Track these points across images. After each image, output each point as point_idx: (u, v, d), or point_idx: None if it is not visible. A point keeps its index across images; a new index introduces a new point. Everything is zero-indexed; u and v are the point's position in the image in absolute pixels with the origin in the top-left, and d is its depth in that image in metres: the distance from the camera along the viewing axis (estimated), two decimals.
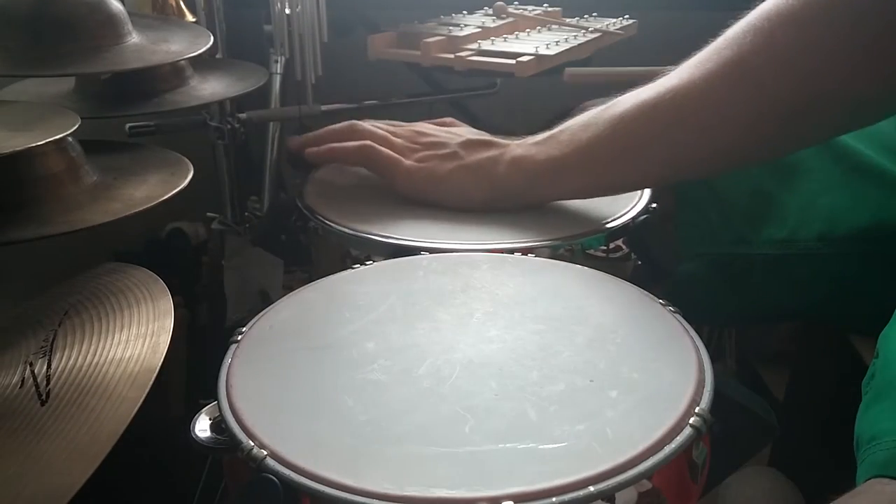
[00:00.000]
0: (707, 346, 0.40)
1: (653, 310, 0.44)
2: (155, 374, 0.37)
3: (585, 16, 0.90)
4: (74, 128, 0.52)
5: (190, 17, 0.78)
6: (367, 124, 0.65)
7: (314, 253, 0.61)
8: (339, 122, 0.84)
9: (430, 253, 0.52)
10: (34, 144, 0.49)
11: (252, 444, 0.33)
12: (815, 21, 0.47)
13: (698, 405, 0.35)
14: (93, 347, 0.41)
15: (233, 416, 0.35)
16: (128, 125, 0.69)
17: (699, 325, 0.42)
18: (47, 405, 0.37)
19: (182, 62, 0.68)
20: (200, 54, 0.64)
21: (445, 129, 0.66)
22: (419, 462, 0.32)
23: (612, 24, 0.87)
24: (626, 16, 0.90)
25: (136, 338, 0.41)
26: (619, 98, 0.55)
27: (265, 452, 0.33)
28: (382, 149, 0.63)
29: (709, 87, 0.51)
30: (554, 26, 0.86)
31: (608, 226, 0.56)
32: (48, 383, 0.39)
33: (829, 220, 0.57)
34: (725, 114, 0.51)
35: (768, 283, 0.60)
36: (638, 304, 0.44)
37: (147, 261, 0.50)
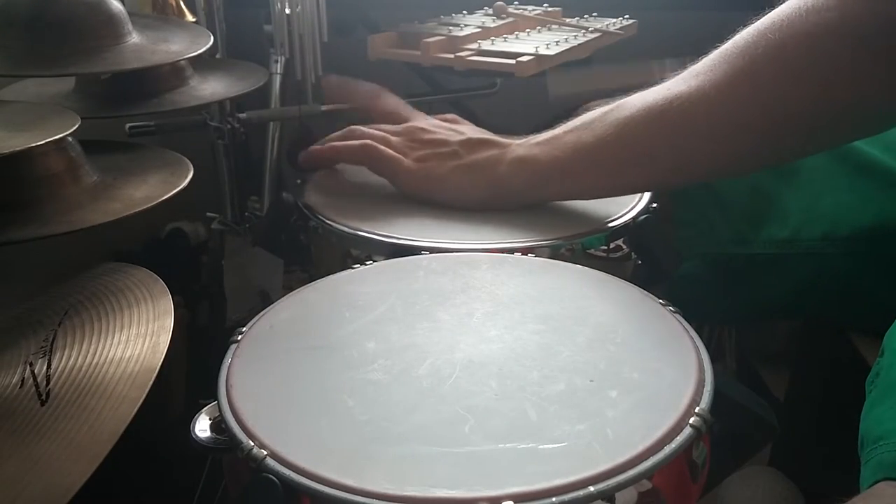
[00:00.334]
0: (707, 346, 0.40)
1: (653, 310, 0.44)
2: (155, 374, 0.37)
3: (585, 16, 0.90)
4: (74, 128, 0.52)
5: (190, 17, 0.78)
6: (365, 128, 0.66)
7: (314, 252, 0.61)
8: (340, 122, 0.84)
9: (431, 252, 0.52)
10: (34, 144, 0.49)
11: (252, 444, 0.33)
12: (827, 33, 0.47)
13: (698, 405, 0.35)
14: (93, 347, 0.41)
15: (233, 416, 0.35)
16: (128, 125, 0.69)
17: (699, 325, 0.42)
18: (47, 405, 0.37)
19: (182, 62, 0.68)
20: (200, 54, 0.64)
21: (447, 125, 0.66)
22: (419, 462, 0.32)
23: (612, 24, 0.87)
24: (626, 16, 0.89)
25: (136, 338, 0.41)
26: (625, 100, 0.55)
27: (265, 452, 0.33)
28: (383, 147, 0.62)
29: (719, 96, 0.50)
30: (554, 26, 0.86)
31: (609, 225, 0.56)
32: (48, 383, 0.39)
33: (832, 220, 0.57)
34: (735, 122, 0.50)
35: (769, 282, 0.60)
36: (638, 304, 0.44)
37: (147, 261, 0.50)
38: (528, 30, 0.85)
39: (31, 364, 0.41)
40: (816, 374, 0.70)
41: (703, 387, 0.37)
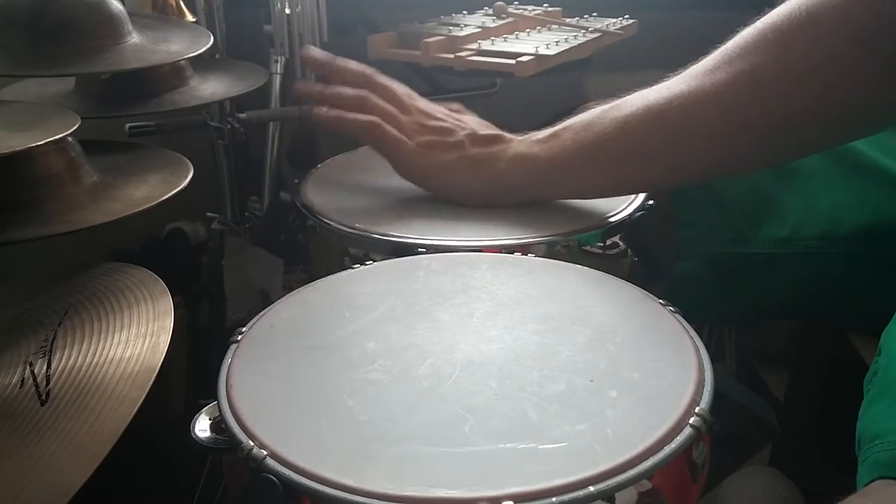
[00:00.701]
0: (707, 346, 0.40)
1: (653, 310, 0.44)
2: (155, 374, 0.37)
3: (585, 16, 0.90)
4: (74, 128, 0.52)
5: (190, 17, 0.78)
6: (379, 100, 0.63)
7: (313, 251, 0.61)
8: None
9: (428, 250, 0.52)
10: (34, 144, 0.49)
11: (252, 444, 0.33)
12: (828, 34, 0.46)
13: (698, 405, 0.35)
14: (93, 347, 0.41)
15: (233, 416, 0.35)
16: (128, 125, 0.69)
17: (699, 325, 0.42)
18: (47, 405, 0.37)
19: (182, 62, 0.68)
20: (200, 54, 0.64)
21: (454, 115, 0.64)
22: (419, 462, 0.32)
23: (612, 24, 0.87)
24: (626, 16, 0.89)
25: (136, 338, 0.41)
26: (625, 100, 0.55)
27: (265, 452, 0.33)
28: (389, 128, 0.60)
29: (720, 97, 0.50)
30: (554, 26, 0.86)
31: (605, 222, 0.56)
32: (48, 383, 0.39)
33: (830, 220, 0.57)
34: (737, 123, 0.50)
35: (768, 282, 0.60)
36: (638, 304, 0.44)
37: (147, 261, 0.50)
38: (528, 30, 0.85)
39: (31, 364, 0.41)
40: (816, 374, 0.70)
41: (703, 387, 0.37)
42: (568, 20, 0.88)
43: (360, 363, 0.39)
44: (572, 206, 0.59)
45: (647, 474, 0.32)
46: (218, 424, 0.36)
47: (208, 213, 0.78)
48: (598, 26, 0.85)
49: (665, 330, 0.41)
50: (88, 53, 0.60)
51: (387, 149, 0.61)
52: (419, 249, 0.52)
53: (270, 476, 0.32)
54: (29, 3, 0.59)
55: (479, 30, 0.81)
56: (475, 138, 0.60)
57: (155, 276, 0.48)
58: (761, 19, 0.50)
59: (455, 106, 0.68)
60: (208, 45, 0.65)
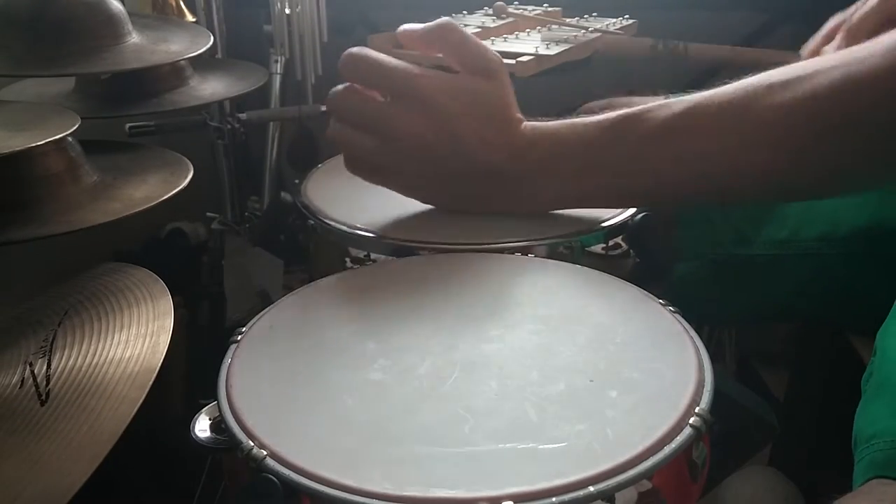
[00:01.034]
0: (707, 346, 0.40)
1: (653, 310, 0.44)
2: (155, 374, 0.37)
3: (585, 16, 0.90)
4: (74, 128, 0.52)
5: (190, 17, 0.78)
6: (345, 127, 0.55)
7: (313, 251, 0.61)
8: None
9: (430, 251, 0.52)
10: (34, 144, 0.49)
11: (252, 444, 0.33)
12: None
13: (698, 405, 0.35)
14: (93, 347, 0.41)
15: (233, 416, 0.35)
16: (128, 125, 0.69)
17: (699, 325, 0.42)
18: (47, 405, 0.37)
19: (182, 62, 0.68)
20: (200, 54, 0.64)
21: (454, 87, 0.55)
22: (419, 462, 0.32)
23: (612, 24, 0.87)
24: (626, 16, 0.89)
25: (136, 338, 0.41)
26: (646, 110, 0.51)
27: (265, 452, 0.33)
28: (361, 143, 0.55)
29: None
30: (554, 26, 0.86)
31: (607, 223, 0.56)
32: (48, 383, 0.39)
33: (830, 221, 0.57)
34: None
35: (768, 283, 0.60)
36: (638, 304, 0.44)
37: (147, 261, 0.50)
38: (528, 30, 0.85)
39: (30, 364, 0.41)
40: (816, 374, 0.70)
41: (703, 387, 0.37)
42: (568, 20, 0.88)
43: (360, 363, 0.39)
44: None
45: (647, 474, 0.32)
46: (218, 424, 0.36)
47: (208, 213, 0.78)
48: (598, 26, 0.85)
49: (665, 330, 0.41)
50: (88, 53, 0.60)
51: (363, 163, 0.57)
52: (419, 250, 0.52)
53: (270, 476, 0.32)
54: (29, 3, 0.59)
55: (479, 30, 0.81)
56: (481, 163, 0.54)
57: (155, 276, 0.48)
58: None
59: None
60: (208, 45, 0.65)
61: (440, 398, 0.36)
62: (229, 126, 0.73)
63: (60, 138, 0.51)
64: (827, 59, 0.47)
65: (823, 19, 0.70)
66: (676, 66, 0.76)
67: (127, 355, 0.39)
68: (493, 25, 0.83)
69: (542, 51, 0.74)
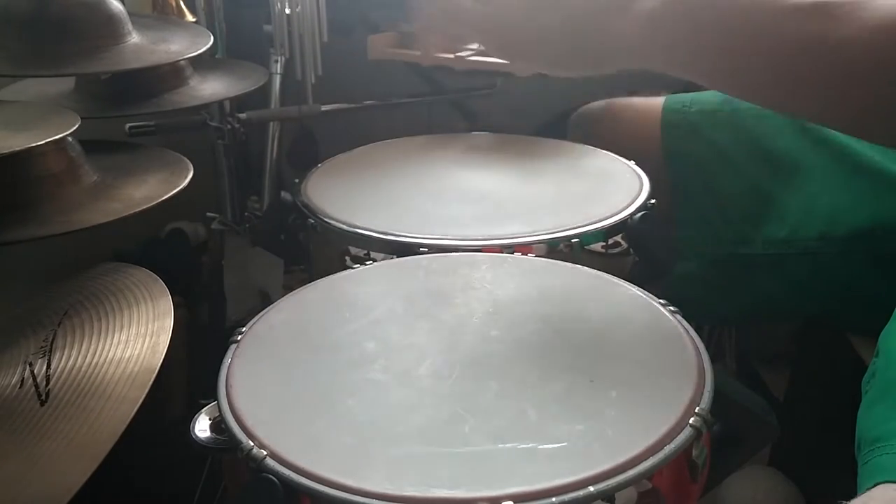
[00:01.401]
0: (707, 346, 0.40)
1: (653, 310, 0.44)
2: (155, 374, 0.37)
3: None
4: (74, 128, 0.52)
5: (190, 17, 0.78)
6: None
7: (313, 250, 0.61)
8: (339, 122, 0.84)
9: (429, 249, 0.52)
10: (34, 144, 0.49)
11: (252, 444, 0.33)
12: None
13: (698, 405, 0.35)
14: (93, 347, 0.41)
15: (233, 416, 0.35)
16: (128, 125, 0.69)
17: (699, 325, 0.42)
18: (47, 405, 0.37)
19: (182, 62, 0.68)
20: (200, 54, 0.64)
21: None
22: (419, 462, 0.32)
23: None
24: None
25: (136, 338, 0.41)
26: None
27: (265, 452, 0.33)
28: (461, 4, 0.49)
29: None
30: None
31: (607, 221, 0.56)
32: (48, 383, 0.39)
33: (829, 220, 0.57)
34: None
35: (768, 282, 0.60)
36: (638, 304, 0.44)
37: (147, 261, 0.50)
38: None
39: (30, 364, 0.41)
40: (816, 374, 0.70)
41: (703, 387, 0.37)
42: None
43: (360, 363, 0.39)
44: (575, 205, 0.59)
45: (647, 474, 0.32)
46: (218, 424, 0.36)
47: (208, 213, 0.78)
48: None
49: (665, 330, 0.41)
50: (88, 53, 0.60)
51: (464, 22, 0.50)
52: (420, 249, 0.52)
53: (270, 476, 0.32)
54: (29, 3, 0.59)
55: None
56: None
57: (155, 276, 0.48)
58: None
59: None
60: (208, 45, 0.65)
61: (440, 398, 0.36)
62: (229, 126, 0.73)
63: (60, 138, 0.51)
64: None
65: None
66: None
67: (127, 355, 0.39)
68: None
69: None
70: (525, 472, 0.31)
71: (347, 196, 0.62)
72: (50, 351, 0.41)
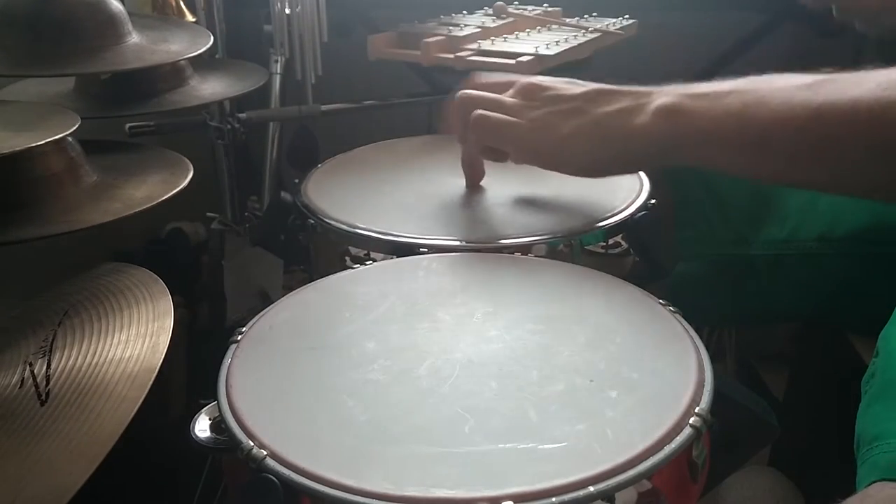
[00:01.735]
0: (707, 346, 0.40)
1: (653, 310, 0.44)
2: (155, 374, 0.37)
3: (585, 16, 0.90)
4: (74, 128, 0.52)
5: (190, 17, 0.78)
6: (475, 92, 0.57)
7: (313, 251, 0.61)
8: (339, 122, 0.84)
9: (429, 249, 0.52)
10: (34, 144, 0.49)
11: (252, 444, 0.33)
12: None
13: (698, 405, 0.35)
14: (93, 347, 0.41)
15: (233, 416, 0.35)
16: (128, 125, 0.69)
17: (699, 325, 0.42)
18: (47, 405, 0.37)
19: (182, 62, 0.68)
20: (200, 54, 0.64)
21: (567, 80, 0.56)
22: (419, 462, 0.32)
23: (612, 24, 0.87)
24: (626, 16, 0.89)
25: (136, 338, 0.41)
26: (815, 81, 0.46)
27: (265, 452, 0.33)
28: (493, 115, 0.55)
29: None
30: (554, 26, 0.86)
31: (607, 222, 0.56)
32: (48, 383, 0.39)
33: (829, 221, 0.57)
34: None
35: (768, 283, 0.60)
36: (638, 304, 0.44)
37: (147, 261, 0.50)
38: (528, 30, 0.85)
39: (30, 364, 0.41)
40: (816, 374, 0.70)
41: (703, 387, 0.37)
42: (568, 20, 0.88)
43: (360, 363, 0.39)
44: (575, 205, 0.59)
45: (647, 474, 0.32)
46: (218, 424, 0.36)
47: (208, 213, 0.78)
48: (598, 26, 0.85)
49: (665, 330, 0.41)
50: (88, 53, 0.60)
51: (498, 136, 0.55)
52: (420, 249, 0.52)
53: (270, 476, 0.32)
54: (29, 3, 0.59)
55: (479, 30, 0.81)
56: (595, 97, 0.52)
57: (155, 276, 0.48)
58: None
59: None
60: (208, 45, 0.65)
61: (440, 398, 0.36)
62: (229, 126, 0.73)
63: (60, 138, 0.51)
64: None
65: (824, 19, 0.70)
66: (676, 67, 0.76)
67: (127, 355, 0.39)
68: (493, 25, 0.84)
69: (542, 51, 0.74)
70: (525, 472, 0.31)
71: (347, 196, 0.62)
72: (50, 351, 0.41)
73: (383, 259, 0.54)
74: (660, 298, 0.45)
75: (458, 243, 0.53)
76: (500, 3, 0.89)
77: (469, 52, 0.76)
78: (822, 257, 0.56)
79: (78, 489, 0.31)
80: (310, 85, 0.78)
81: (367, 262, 0.53)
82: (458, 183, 0.63)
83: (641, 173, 0.63)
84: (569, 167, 0.53)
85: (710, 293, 0.64)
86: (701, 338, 0.41)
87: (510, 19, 0.87)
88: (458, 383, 0.37)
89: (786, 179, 0.50)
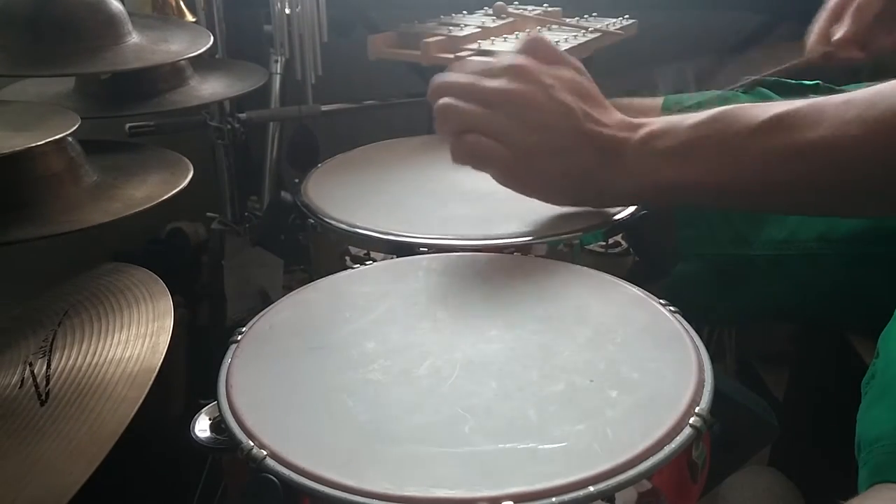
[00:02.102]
0: (707, 346, 0.40)
1: (653, 310, 0.44)
2: (155, 374, 0.37)
3: (585, 16, 0.90)
4: (74, 128, 0.52)
5: (190, 17, 0.78)
6: (448, 78, 0.54)
7: (313, 250, 0.61)
8: (339, 122, 0.84)
9: (429, 249, 0.52)
10: (34, 144, 0.49)
11: (252, 444, 0.33)
12: None
13: (698, 405, 0.35)
14: (93, 347, 0.41)
15: (233, 416, 0.35)
16: (128, 125, 0.69)
17: (699, 325, 0.42)
18: (47, 405, 0.37)
19: (182, 62, 0.68)
20: (200, 54, 0.64)
21: (556, 73, 0.52)
22: (419, 462, 0.32)
23: (612, 24, 0.87)
24: (626, 16, 0.89)
25: (136, 338, 0.41)
26: (797, 114, 0.47)
27: (265, 452, 0.33)
28: (474, 141, 0.52)
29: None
30: (554, 26, 0.86)
31: (607, 221, 0.56)
32: (48, 383, 0.39)
33: (829, 221, 0.57)
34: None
35: (768, 283, 0.60)
36: (638, 304, 0.44)
37: (147, 261, 0.50)
38: (527, 30, 0.85)
39: (30, 364, 0.41)
40: (816, 374, 0.70)
41: (703, 387, 0.37)
42: (568, 20, 0.88)
43: (360, 363, 0.39)
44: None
45: (647, 474, 0.32)
46: (218, 424, 0.36)
47: (208, 213, 0.78)
48: (598, 26, 0.85)
49: (665, 330, 0.41)
50: (88, 53, 0.60)
51: (483, 162, 0.53)
52: (420, 249, 0.52)
53: (270, 476, 0.32)
54: (29, 3, 0.59)
55: (479, 30, 0.81)
56: (592, 133, 0.51)
57: (155, 276, 0.48)
58: None
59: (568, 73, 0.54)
60: (208, 45, 0.65)
61: (440, 398, 0.36)
62: (229, 126, 0.73)
63: (60, 138, 0.51)
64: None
65: None
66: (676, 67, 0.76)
67: (127, 355, 0.39)
68: (493, 25, 0.84)
69: None
70: (525, 472, 0.31)
71: (347, 196, 0.62)
72: (50, 351, 0.41)
73: (383, 259, 0.54)
74: (660, 298, 0.45)
75: (458, 243, 0.53)
76: (500, 3, 0.89)
77: (469, 52, 0.76)
78: (822, 257, 0.56)
79: (78, 489, 0.31)
80: (310, 85, 0.78)
81: (367, 262, 0.53)
82: (458, 183, 0.63)
83: None
84: (558, 203, 0.55)
85: (710, 293, 0.64)
86: (701, 338, 0.41)
87: (510, 19, 0.87)
88: (458, 383, 0.37)
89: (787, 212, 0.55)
